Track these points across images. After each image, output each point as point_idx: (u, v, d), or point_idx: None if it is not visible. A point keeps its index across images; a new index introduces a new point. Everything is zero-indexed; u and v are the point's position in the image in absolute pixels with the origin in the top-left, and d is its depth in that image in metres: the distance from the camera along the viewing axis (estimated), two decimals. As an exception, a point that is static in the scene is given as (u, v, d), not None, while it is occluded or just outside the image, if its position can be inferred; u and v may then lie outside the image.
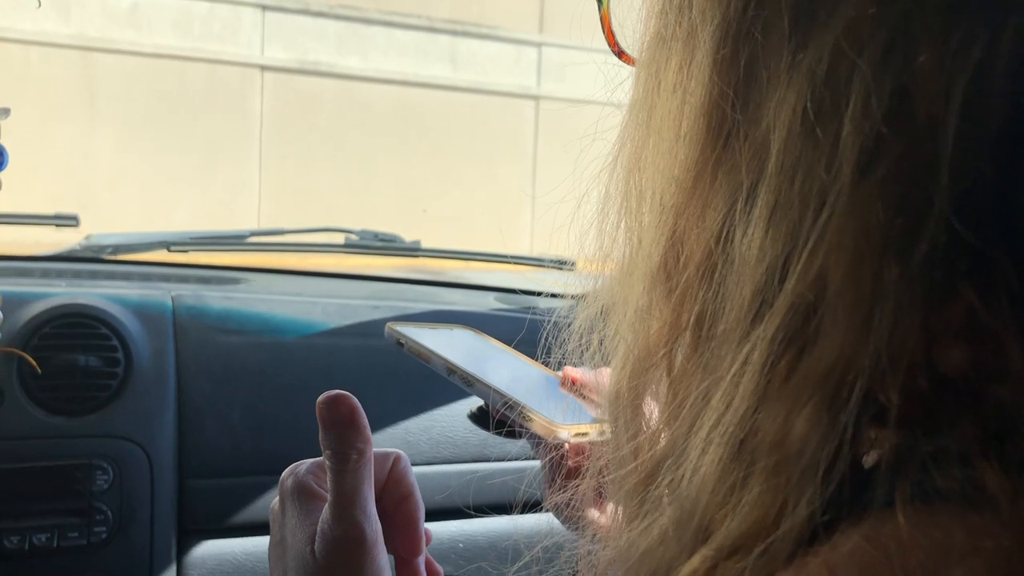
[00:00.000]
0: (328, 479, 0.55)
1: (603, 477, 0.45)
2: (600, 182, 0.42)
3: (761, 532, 0.31)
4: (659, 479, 0.36)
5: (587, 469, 0.48)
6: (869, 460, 0.33)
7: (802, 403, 0.31)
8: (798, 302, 0.31)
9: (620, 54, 0.46)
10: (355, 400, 0.56)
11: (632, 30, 0.43)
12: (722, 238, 0.34)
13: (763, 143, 0.32)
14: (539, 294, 1.84)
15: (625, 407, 0.40)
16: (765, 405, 0.32)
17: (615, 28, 0.47)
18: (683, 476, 0.34)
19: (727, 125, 0.34)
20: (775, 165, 0.32)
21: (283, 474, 0.59)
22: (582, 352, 0.46)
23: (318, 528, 0.54)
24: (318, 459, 0.58)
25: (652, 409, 0.39)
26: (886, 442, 0.31)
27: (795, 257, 0.31)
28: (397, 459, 0.61)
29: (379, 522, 0.55)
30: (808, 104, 0.31)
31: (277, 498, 0.59)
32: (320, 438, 0.56)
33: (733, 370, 0.33)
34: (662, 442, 0.37)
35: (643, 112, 0.38)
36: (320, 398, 0.56)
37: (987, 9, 0.29)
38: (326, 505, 0.54)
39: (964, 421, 0.30)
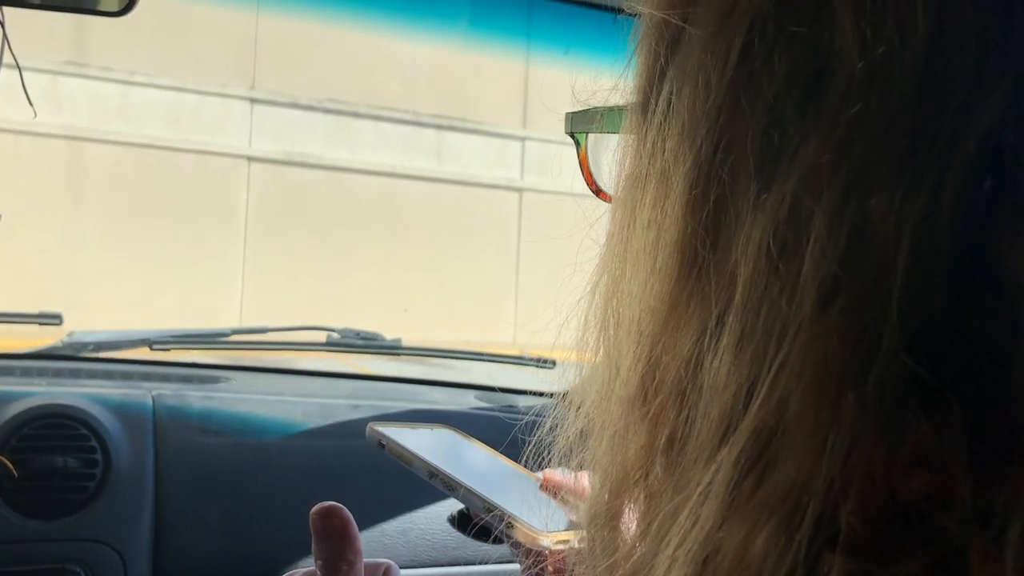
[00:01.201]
0: None
1: None
2: (579, 308, 0.43)
3: None
4: None
5: (567, 574, 0.49)
6: None
7: (761, 524, 0.32)
8: (761, 427, 0.32)
9: (598, 192, 0.48)
10: (347, 512, 0.58)
11: (608, 170, 0.45)
12: (692, 365, 0.35)
13: (731, 277, 0.34)
14: (520, 392, 1.85)
15: (602, 527, 0.40)
16: (728, 525, 0.33)
17: (592, 168, 0.49)
18: None
19: (698, 260, 0.35)
20: (741, 297, 0.33)
21: None
22: (562, 456, 0.47)
23: None
24: (307, 570, 0.59)
25: (630, 528, 0.40)
26: (842, 569, 0.32)
27: (759, 384, 0.32)
28: (388, 569, 0.62)
29: None
30: (771, 242, 0.33)
31: None
32: (312, 548, 0.57)
33: (699, 490, 0.34)
34: (628, 564, 0.38)
35: (620, 244, 0.40)
36: (314, 509, 0.57)
37: (930, 160, 0.31)
38: None
39: (915, 552, 0.31)
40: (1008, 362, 0.30)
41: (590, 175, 0.49)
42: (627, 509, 0.40)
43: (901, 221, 0.31)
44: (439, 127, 9.35)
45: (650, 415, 0.38)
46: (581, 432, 0.44)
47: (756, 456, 0.32)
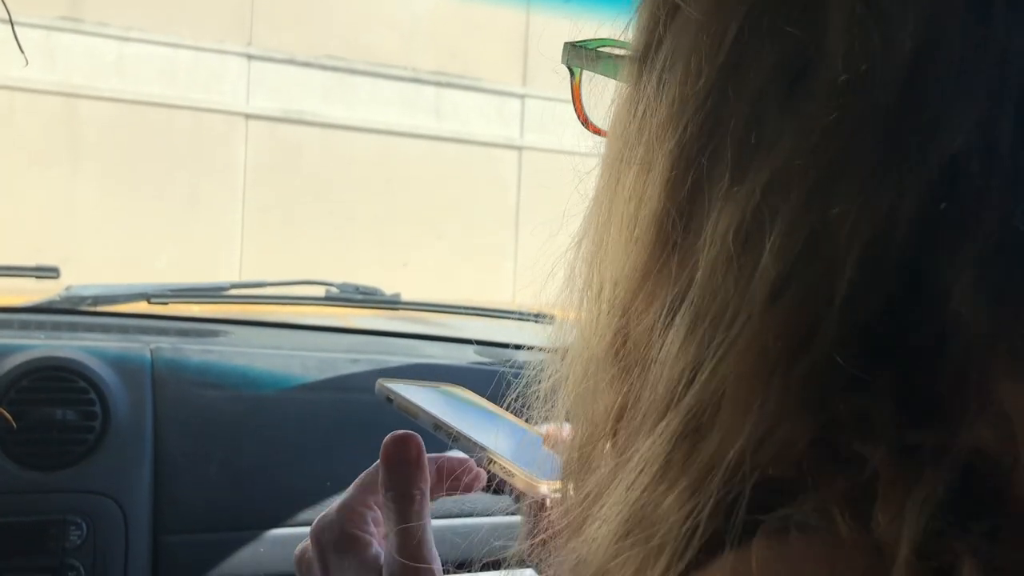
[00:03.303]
0: (390, 519, 0.55)
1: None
2: (566, 260, 0.44)
3: None
4: (571, 543, 0.40)
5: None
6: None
7: (677, 486, 0.34)
8: (697, 405, 0.34)
9: (586, 123, 0.48)
10: (420, 440, 0.57)
11: (603, 103, 0.45)
12: (650, 338, 0.37)
13: (695, 260, 0.36)
14: (519, 347, 1.86)
15: (574, 473, 0.43)
16: (655, 489, 0.35)
17: (584, 99, 0.49)
18: (580, 548, 0.38)
19: (670, 238, 0.37)
20: (700, 280, 0.35)
21: (313, 528, 0.58)
22: (548, 407, 0.48)
23: (385, 571, 0.54)
24: (338, 504, 0.58)
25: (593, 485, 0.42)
26: (766, 504, 0.34)
27: (703, 366, 0.34)
28: None
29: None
30: (735, 233, 0.34)
31: (305, 553, 0.59)
32: (384, 477, 0.56)
33: (636, 458, 0.36)
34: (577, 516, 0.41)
35: (605, 206, 0.41)
36: (388, 437, 0.57)
37: (894, 176, 0.32)
38: (390, 547, 0.55)
39: (828, 478, 0.33)
40: (934, 362, 0.32)
41: (581, 107, 0.49)
42: (599, 458, 0.42)
43: (854, 232, 0.32)
44: (438, 84, 9.29)
45: (615, 377, 0.40)
46: (560, 384, 0.46)
47: (689, 432, 0.35)
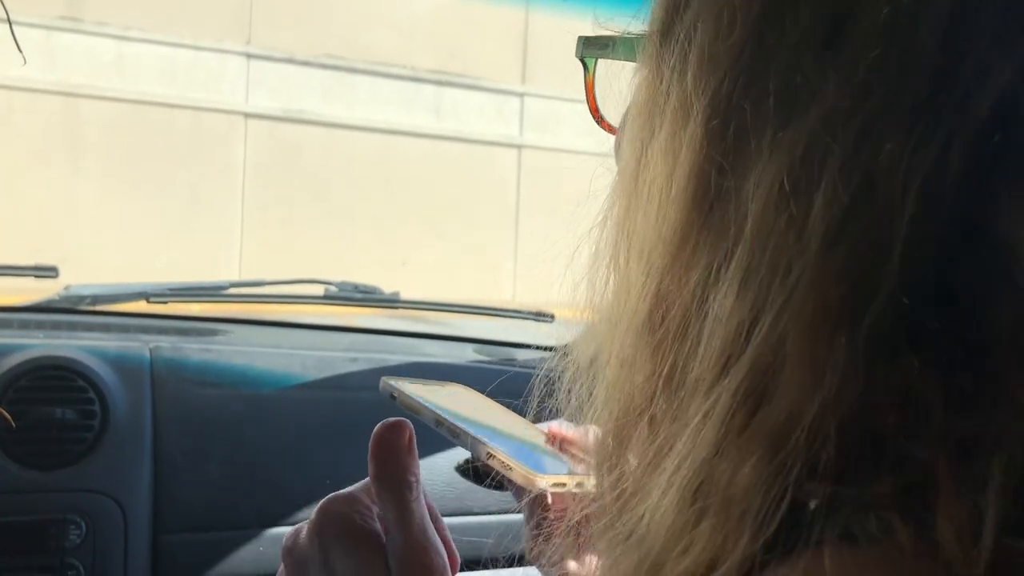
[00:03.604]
0: (391, 510, 0.54)
1: (582, 528, 0.46)
2: (591, 239, 0.44)
3: (706, 573, 0.33)
4: (623, 518, 0.38)
5: (567, 520, 0.49)
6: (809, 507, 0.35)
7: (751, 454, 0.33)
8: (759, 361, 0.33)
9: (600, 121, 0.48)
10: (412, 427, 0.56)
11: (615, 98, 0.45)
12: (699, 297, 0.36)
13: (742, 212, 0.35)
14: (519, 346, 1.86)
15: (609, 455, 0.41)
16: (722, 453, 0.34)
17: (598, 94, 0.49)
18: (644, 516, 0.37)
19: (712, 191, 0.36)
20: (751, 232, 0.34)
21: (315, 520, 0.55)
22: (567, 406, 0.47)
23: (393, 564, 0.53)
24: (344, 495, 0.56)
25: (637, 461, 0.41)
26: (821, 493, 0.34)
27: (761, 319, 0.33)
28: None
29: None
30: (785, 180, 0.33)
31: (296, 545, 0.56)
32: (377, 468, 0.54)
33: (697, 419, 0.35)
34: (629, 487, 0.39)
35: (633, 175, 0.40)
36: (379, 425, 0.55)
37: (944, 114, 0.32)
38: (396, 537, 0.53)
39: (884, 476, 0.32)
40: (993, 310, 0.32)
41: (594, 102, 0.49)
42: (635, 434, 0.41)
43: (911, 170, 0.32)
44: (437, 83, 9.28)
45: (656, 344, 0.38)
46: (587, 362, 0.44)
47: (752, 389, 0.33)
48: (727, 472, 0.33)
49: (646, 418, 0.39)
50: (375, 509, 0.56)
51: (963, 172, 0.32)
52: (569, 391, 0.47)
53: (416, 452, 0.56)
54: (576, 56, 0.48)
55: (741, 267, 0.34)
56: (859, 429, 0.32)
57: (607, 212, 0.43)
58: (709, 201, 0.36)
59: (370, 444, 0.55)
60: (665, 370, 0.38)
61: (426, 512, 0.55)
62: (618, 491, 0.40)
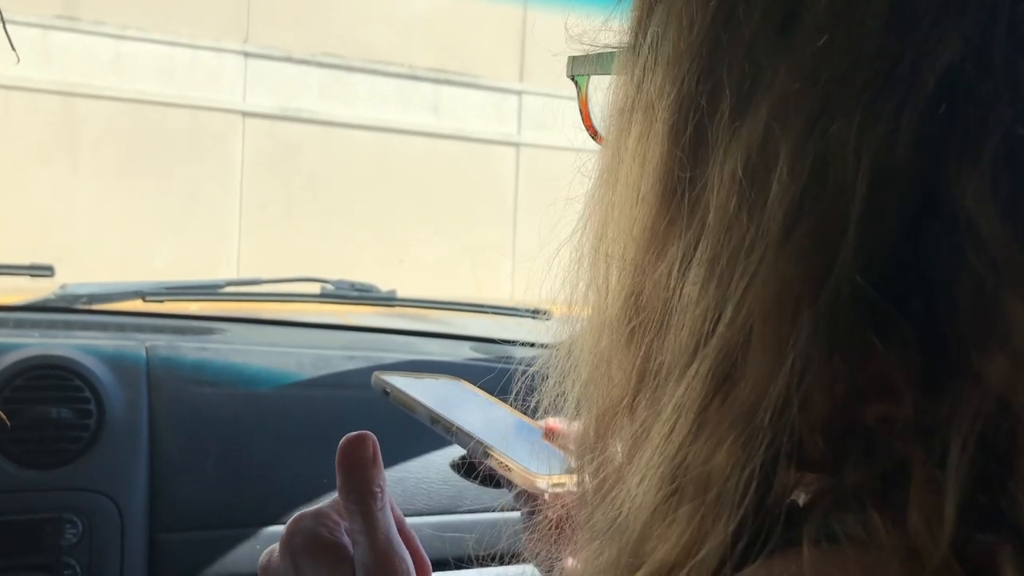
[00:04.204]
0: (358, 521, 0.56)
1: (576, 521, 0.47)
2: (571, 245, 0.45)
3: (685, 560, 0.34)
4: (603, 509, 0.39)
5: (565, 519, 0.50)
6: (799, 499, 0.36)
7: (723, 438, 0.34)
8: (727, 346, 0.34)
9: (596, 136, 0.49)
10: (375, 439, 0.58)
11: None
12: (669, 290, 0.37)
13: (705, 203, 0.36)
14: (515, 343, 1.85)
15: (591, 448, 0.42)
16: (695, 439, 0.35)
17: (592, 112, 0.50)
18: (623, 505, 0.38)
19: (678, 187, 0.37)
20: (713, 221, 0.35)
21: (284, 535, 0.58)
22: (558, 402, 0.48)
23: (360, 570, 0.55)
24: (313, 511, 0.59)
25: (618, 452, 0.42)
26: (804, 483, 0.35)
27: (726, 306, 0.34)
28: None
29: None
30: (743, 169, 0.34)
31: (270, 562, 0.58)
32: (342, 480, 0.57)
33: (671, 406, 0.36)
34: (609, 477, 0.40)
35: (609, 179, 0.42)
36: (344, 439, 0.58)
37: (891, 91, 0.33)
38: (360, 548, 0.55)
39: (862, 468, 0.33)
40: (952, 284, 0.32)
41: (589, 119, 0.50)
42: (616, 428, 0.42)
43: (860, 148, 0.32)
44: (435, 81, 9.27)
45: (630, 338, 0.40)
46: (572, 360, 0.45)
47: (722, 373, 0.34)
48: (702, 455, 0.34)
49: (626, 410, 0.40)
50: (343, 524, 0.58)
51: (914, 148, 0.32)
52: (554, 388, 0.48)
53: (381, 464, 0.58)
54: (567, 76, 0.49)
55: (706, 257, 0.35)
56: (834, 416, 0.33)
57: (586, 219, 0.44)
58: (676, 197, 0.38)
59: (336, 457, 0.58)
60: (639, 362, 0.39)
61: (392, 521, 0.57)
62: (598, 481, 0.41)
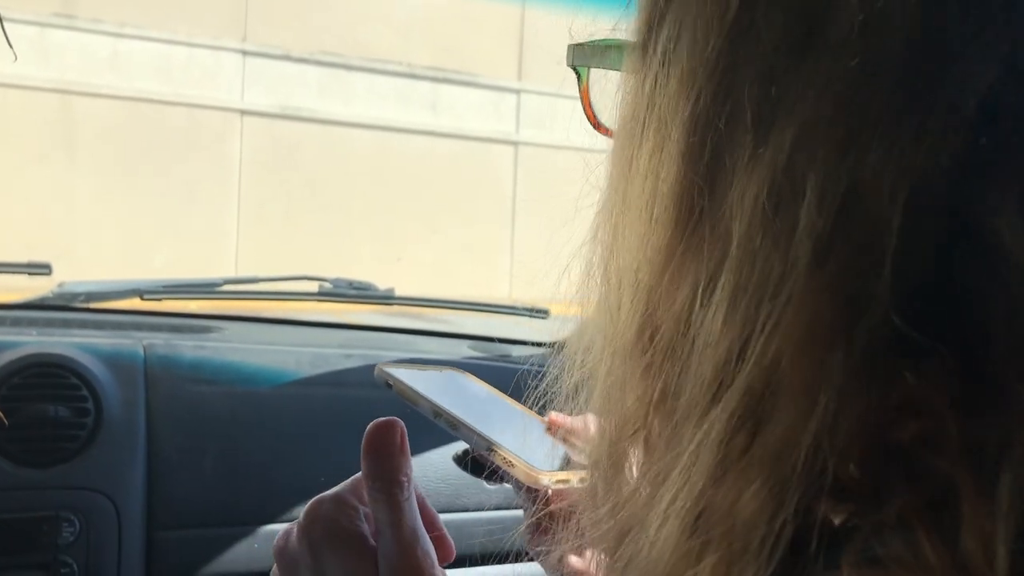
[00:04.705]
0: (383, 511, 0.54)
1: (583, 526, 0.46)
2: (581, 254, 0.43)
3: None
4: (620, 551, 0.37)
5: (569, 516, 0.49)
6: (832, 523, 0.34)
7: (751, 481, 0.32)
8: (753, 384, 0.32)
9: (597, 126, 0.48)
10: (404, 426, 0.56)
11: (611, 102, 0.45)
12: (686, 319, 0.35)
13: (726, 231, 0.34)
14: (514, 342, 1.85)
15: (605, 472, 0.41)
16: (719, 482, 0.33)
17: (593, 101, 0.48)
18: (642, 549, 0.36)
19: (695, 212, 0.35)
20: (736, 252, 0.33)
21: (303, 521, 0.56)
22: (560, 400, 0.47)
23: (382, 564, 0.53)
24: (332, 496, 0.57)
25: (633, 471, 0.40)
26: (839, 513, 0.33)
27: (752, 342, 0.32)
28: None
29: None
30: (767, 198, 0.32)
31: (287, 546, 0.56)
32: (368, 467, 0.55)
33: (691, 448, 0.34)
34: (626, 514, 0.39)
35: (619, 191, 0.40)
36: (372, 424, 0.55)
37: (929, 118, 0.31)
38: (385, 538, 0.53)
39: (906, 491, 0.31)
40: (988, 312, 0.31)
41: (590, 109, 0.48)
42: (630, 453, 0.40)
43: (897, 179, 0.31)
44: (434, 79, 9.26)
45: (646, 366, 0.38)
46: (580, 381, 0.44)
47: (748, 415, 0.33)
48: (727, 501, 0.33)
49: (640, 439, 0.39)
50: (362, 509, 0.56)
51: (952, 177, 0.31)
52: (556, 383, 0.46)
53: (408, 451, 0.56)
54: (568, 65, 0.48)
55: (728, 288, 0.33)
56: (870, 442, 0.32)
57: (596, 230, 0.42)
58: (692, 222, 0.36)
59: (363, 443, 0.56)
60: (656, 394, 0.37)
61: (417, 512, 0.55)
62: (616, 518, 0.39)
